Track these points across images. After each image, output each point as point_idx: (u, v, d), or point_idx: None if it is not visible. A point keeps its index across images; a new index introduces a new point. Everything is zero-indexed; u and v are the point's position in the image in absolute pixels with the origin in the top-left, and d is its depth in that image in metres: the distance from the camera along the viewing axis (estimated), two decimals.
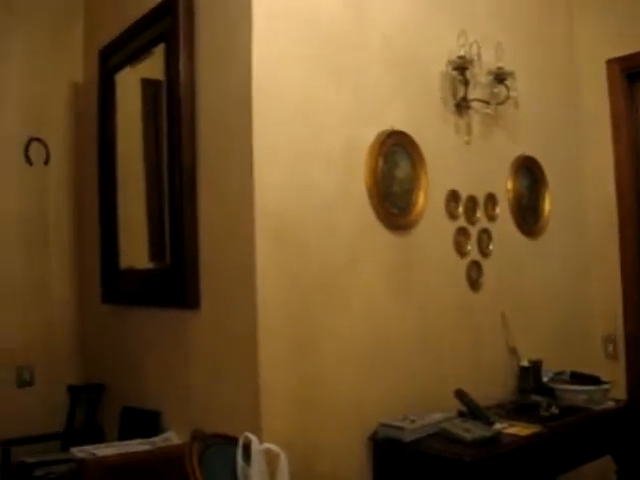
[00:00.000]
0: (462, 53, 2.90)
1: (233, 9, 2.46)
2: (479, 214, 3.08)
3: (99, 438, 3.22)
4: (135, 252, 3.10)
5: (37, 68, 3.55)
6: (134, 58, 3.02)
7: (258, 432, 2.19)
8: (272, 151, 2.38)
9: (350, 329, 2.55)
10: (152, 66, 2.89)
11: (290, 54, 2.45)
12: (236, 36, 2.43)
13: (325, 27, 2.57)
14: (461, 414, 2.66)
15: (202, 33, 2.63)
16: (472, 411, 2.65)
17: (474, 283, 3.03)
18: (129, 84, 3.12)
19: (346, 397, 2.51)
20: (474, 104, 3.00)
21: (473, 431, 2.45)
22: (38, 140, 3.54)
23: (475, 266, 3.04)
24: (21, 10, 3.53)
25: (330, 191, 2.53)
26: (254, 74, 2.35)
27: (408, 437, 2.45)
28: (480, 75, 3.03)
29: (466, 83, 2.93)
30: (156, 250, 2.92)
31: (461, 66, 2.90)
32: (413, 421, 2.50)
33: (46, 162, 3.56)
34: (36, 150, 3.53)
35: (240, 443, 2.11)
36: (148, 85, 3.02)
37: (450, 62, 2.92)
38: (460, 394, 2.69)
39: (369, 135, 2.67)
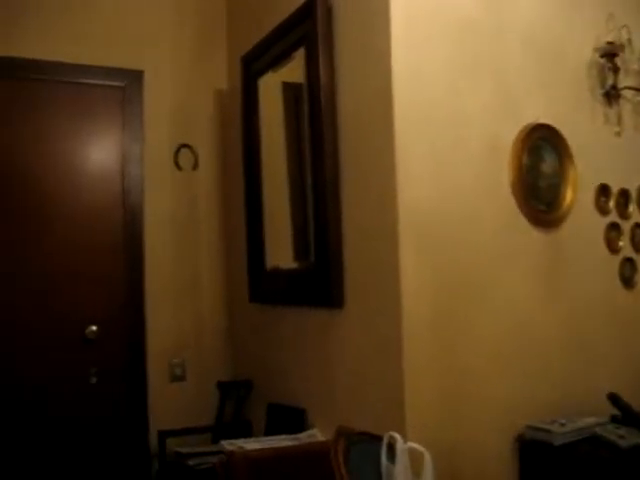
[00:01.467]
0: (610, 39, 2.76)
1: (371, 10, 2.47)
2: (632, 208, 2.93)
3: (247, 432, 3.32)
4: (280, 252, 3.17)
5: (184, 78, 3.72)
6: (275, 63, 3.10)
7: (402, 431, 2.19)
8: (414, 149, 2.37)
9: (494, 328, 2.49)
10: (293, 70, 2.95)
11: (429, 52, 2.43)
12: (375, 36, 2.43)
13: (463, 24, 2.52)
14: (614, 419, 2.54)
15: (341, 35, 2.66)
16: (627, 417, 2.52)
17: (628, 281, 2.88)
18: (271, 88, 3.20)
19: (491, 398, 2.46)
20: (625, 92, 2.85)
21: (628, 438, 2.33)
22: (187, 146, 3.71)
23: (628, 263, 2.90)
24: (168, 26, 3.72)
25: (473, 187, 2.49)
26: (394, 73, 2.35)
27: (558, 440, 2.37)
28: (631, 61, 2.88)
29: (615, 70, 2.79)
30: (300, 250, 2.98)
31: (610, 52, 2.77)
32: (563, 424, 2.42)
33: (194, 167, 3.72)
34: (185, 156, 3.70)
35: (385, 442, 2.11)
36: (289, 88, 3.09)
37: (597, 49, 2.80)
38: (614, 398, 2.56)
39: (512, 129, 2.61)
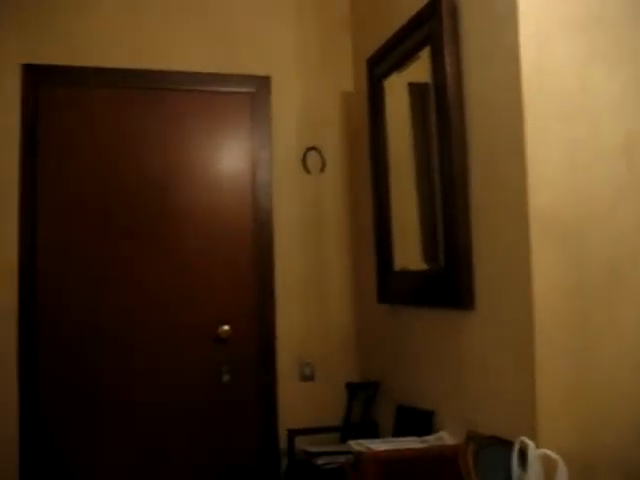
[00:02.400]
0: None
1: (498, 5, 2.41)
2: None
3: (374, 433, 3.33)
4: (408, 254, 3.15)
5: (310, 82, 3.78)
6: (400, 64, 3.09)
7: (533, 436, 2.12)
8: (546, 146, 2.28)
9: (634, 331, 2.36)
10: (418, 70, 2.93)
11: (558, 45, 2.34)
12: (502, 31, 2.37)
13: (595, 15, 2.41)
14: None
15: (466, 32, 2.61)
16: None
17: None
18: (396, 89, 3.19)
19: (630, 406, 2.33)
20: None
21: None
22: (314, 149, 3.76)
23: None
24: (293, 31, 3.79)
25: (610, 185, 2.37)
26: (523, 68, 2.27)
27: None
28: None
29: None
30: (429, 251, 2.95)
31: None
32: None
33: (322, 170, 3.77)
34: (313, 159, 3.76)
35: (516, 447, 2.05)
36: (415, 88, 3.07)
37: None
38: None
39: None
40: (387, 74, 3.23)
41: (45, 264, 3.39)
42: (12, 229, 3.36)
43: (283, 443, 3.47)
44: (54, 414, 3.35)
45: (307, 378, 3.65)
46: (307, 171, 3.75)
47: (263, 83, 3.71)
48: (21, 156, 3.39)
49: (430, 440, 2.63)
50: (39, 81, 3.44)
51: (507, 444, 2.10)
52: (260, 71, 3.71)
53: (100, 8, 3.55)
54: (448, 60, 2.63)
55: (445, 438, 2.64)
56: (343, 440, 3.30)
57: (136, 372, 3.45)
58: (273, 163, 3.71)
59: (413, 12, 2.88)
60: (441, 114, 2.68)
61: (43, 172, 3.42)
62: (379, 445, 2.59)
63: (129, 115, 3.55)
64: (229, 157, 3.67)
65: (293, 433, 3.36)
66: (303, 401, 3.61)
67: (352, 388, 3.56)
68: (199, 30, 3.66)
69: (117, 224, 3.49)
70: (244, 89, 3.69)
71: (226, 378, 3.54)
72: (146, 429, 3.43)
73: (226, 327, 3.55)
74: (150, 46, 3.59)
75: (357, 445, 2.64)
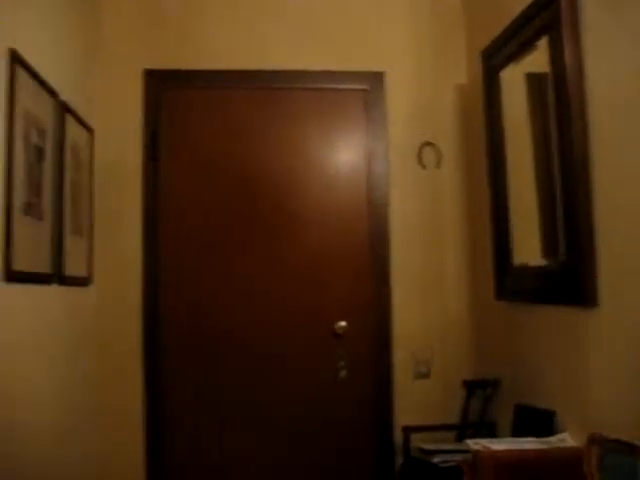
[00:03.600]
0: None
1: None
2: None
3: (492, 433, 3.26)
4: (527, 249, 3.06)
5: (424, 76, 3.75)
6: (516, 54, 3.00)
7: None
8: None
9: None
10: (536, 60, 2.83)
11: None
12: (629, 17, 2.26)
13: None
14: None
15: (587, 19, 2.50)
16: None
17: None
18: (513, 81, 3.10)
19: None
20: None
21: None
22: (430, 144, 3.72)
23: None
24: (405, 25, 3.76)
25: None
26: None
27: None
28: None
29: None
30: (549, 247, 2.86)
31: None
32: None
33: (438, 165, 3.73)
34: (428, 154, 3.72)
35: None
36: (533, 79, 2.97)
37: None
38: None
39: None
40: (503, 65, 3.15)
41: (166, 261, 3.53)
42: (137, 230, 3.53)
43: (398, 440, 3.46)
44: (180, 414, 3.49)
45: (423, 375, 3.62)
46: (423, 166, 3.72)
47: (377, 79, 3.71)
48: (143, 159, 3.55)
49: (551, 442, 2.55)
50: (160, 86, 3.60)
51: (634, 449, 2.00)
52: (374, 67, 3.71)
53: (214, 13, 3.67)
54: (567, 49, 2.53)
55: (567, 440, 2.55)
56: (460, 439, 3.26)
57: (256, 370, 3.54)
58: (388, 159, 3.70)
59: (529, 1, 2.80)
60: (561, 104, 2.58)
61: (164, 174, 3.56)
62: (497, 445, 2.54)
63: (246, 116, 3.64)
64: (344, 154, 3.69)
65: (408, 430, 3.34)
66: (418, 398, 3.58)
67: (469, 386, 3.50)
68: (312, 28, 3.70)
69: (236, 223, 3.59)
70: (358, 86, 3.70)
71: (343, 374, 3.56)
72: (266, 426, 3.52)
73: (343, 323, 3.57)
74: (264, 46, 3.67)
75: (475, 444, 2.59)
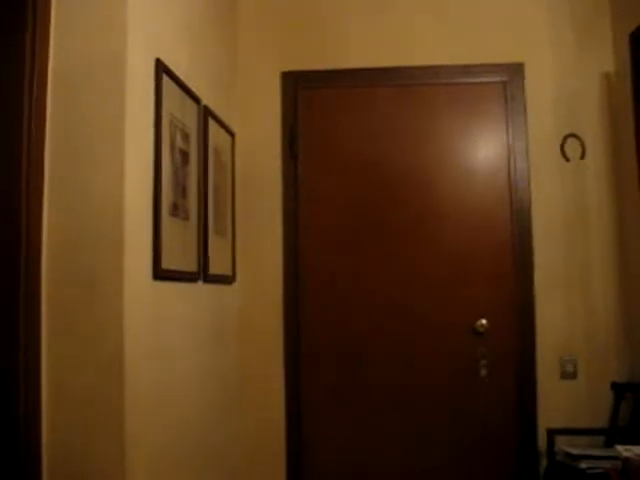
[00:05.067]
0: None
1: None
2: None
3: None
4: None
5: (566, 65, 3.60)
6: None
7: None
8: None
9: None
10: None
11: None
12: None
13: None
14: None
15: None
16: None
17: None
18: None
19: None
20: None
21: None
22: (573, 136, 3.57)
23: None
24: (545, 12, 3.62)
25: None
26: None
27: None
28: None
29: None
30: None
31: None
32: None
33: (582, 156, 3.57)
34: (572, 146, 3.57)
35: None
36: None
37: None
38: None
39: None
40: None
41: (306, 258, 3.60)
42: (277, 229, 3.62)
43: (542, 443, 3.34)
44: (315, 421, 3.56)
45: (569, 376, 3.48)
46: (566, 159, 3.57)
47: (516, 70, 3.60)
48: (283, 160, 3.64)
49: None
50: (297, 87, 3.67)
51: None
52: (512, 58, 3.61)
53: (349, 12, 3.69)
54: None
55: None
56: (608, 444, 3.11)
57: (395, 369, 3.53)
58: (530, 152, 3.59)
59: None
60: None
61: (303, 174, 3.64)
62: None
63: (383, 113, 3.65)
64: (484, 148, 3.62)
65: (553, 433, 3.23)
66: (564, 400, 3.44)
67: (619, 389, 3.33)
68: (447, 22, 3.65)
69: (376, 220, 3.61)
70: (496, 78, 3.61)
71: (483, 372, 3.49)
72: (405, 426, 3.51)
73: (484, 321, 3.50)
74: (400, 43, 3.66)
75: (626, 450, 2.46)
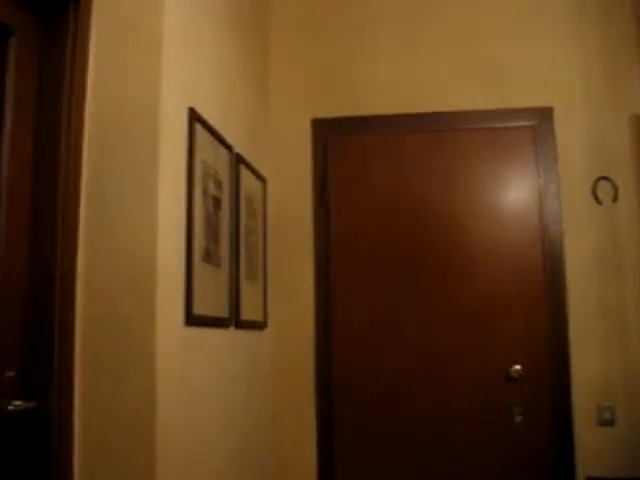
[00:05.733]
0: None
1: None
2: None
3: None
4: None
5: (595, 108, 3.60)
6: None
7: None
8: None
9: None
10: None
11: None
12: None
13: None
14: None
15: None
16: None
17: None
18: None
19: None
20: None
21: None
22: (605, 179, 3.55)
23: None
24: (576, 55, 3.64)
25: None
26: None
27: None
28: None
29: None
30: None
31: None
32: None
33: (614, 200, 3.54)
34: (604, 189, 3.55)
35: None
36: None
37: None
38: None
39: None
40: None
41: (338, 304, 3.60)
42: (309, 275, 3.63)
43: None
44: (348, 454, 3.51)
45: (606, 422, 3.40)
46: (598, 202, 3.55)
47: (545, 114, 3.61)
48: (314, 205, 3.67)
49: None
50: (328, 134, 3.72)
51: None
52: (541, 102, 3.62)
53: (378, 60, 3.75)
54: None
55: None
56: None
57: (428, 416, 3.49)
58: (561, 195, 3.57)
59: None
60: None
61: (334, 219, 3.66)
62: None
63: (414, 158, 3.67)
64: (515, 191, 3.61)
65: None
66: (602, 447, 3.36)
67: None
68: (475, 68, 3.68)
69: (408, 265, 3.60)
70: (526, 122, 3.62)
71: (518, 419, 3.43)
72: (439, 474, 3.44)
73: (517, 367, 3.45)
74: (428, 89, 3.70)
75: None
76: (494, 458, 3.42)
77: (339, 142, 3.73)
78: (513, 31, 3.70)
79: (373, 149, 3.71)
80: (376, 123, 3.71)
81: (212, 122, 2.68)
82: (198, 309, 2.45)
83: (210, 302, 2.62)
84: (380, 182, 3.67)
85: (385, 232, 3.64)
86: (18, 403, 1.93)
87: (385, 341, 3.56)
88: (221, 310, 2.78)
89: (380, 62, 3.75)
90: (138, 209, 2.15)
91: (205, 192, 2.59)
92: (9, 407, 1.91)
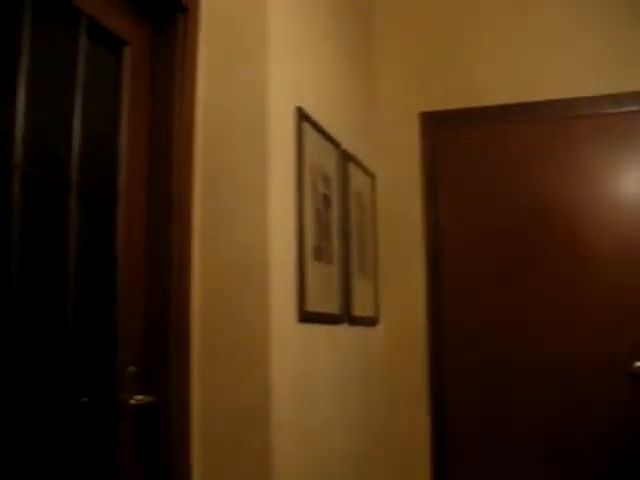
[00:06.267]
0: None
1: None
2: None
3: None
4: None
5: None
6: None
7: None
8: None
9: None
10: None
11: None
12: None
13: None
14: None
15: None
16: None
17: None
18: None
19: None
20: None
21: None
22: None
23: None
24: None
25: None
26: None
27: None
28: None
29: None
30: None
31: None
32: None
33: None
34: None
35: None
36: None
37: None
38: None
39: None
40: None
41: (449, 299, 3.55)
42: (420, 270, 3.59)
43: None
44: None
45: None
46: None
47: None
48: (423, 199, 3.62)
49: None
50: (436, 127, 3.67)
51: None
52: None
53: (484, 50, 3.65)
54: None
55: None
56: None
57: (546, 410, 3.38)
58: None
59: None
60: None
61: (444, 213, 3.61)
62: None
63: (525, 149, 3.56)
64: (633, 178, 3.42)
65: None
66: None
67: None
68: (581, 53, 3.51)
69: (521, 257, 3.50)
70: (638, 107, 3.43)
71: None
72: (556, 473, 3.34)
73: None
74: (536, 77, 3.56)
75: None
76: (614, 460, 3.28)
77: (448, 135, 3.67)
78: (625, 12, 3.51)
79: (484, 141, 3.62)
80: (484, 114, 3.62)
81: (319, 120, 2.70)
82: (310, 306, 2.47)
83: (322, 299, 2.64)
84: (490, 174, 3.58)
85: (496, 225, 3.55)
86: (139, 397, 2.02)
87: (497, 335, 3.47)
88: (333, 307, 2.79)
89: (489, 51, 3.65)
90: (249, 209, 2.19)
91: (315, 190, 2.61)
92: (131, 401, 1.99)
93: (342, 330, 2.90)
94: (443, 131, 3.67)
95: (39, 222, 1.77)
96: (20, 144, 1.65)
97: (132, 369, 2.03)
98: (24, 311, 1.67)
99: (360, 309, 3.15)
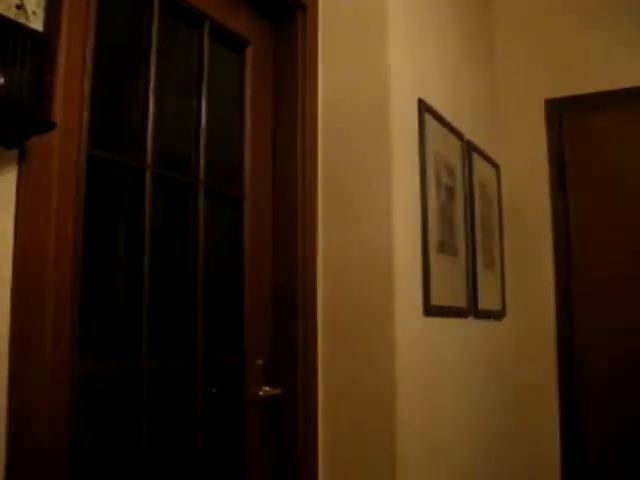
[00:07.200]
0: None
1: None
2: None
3: None
4: None
5: None
6: None
7: None
8: None
9: None
10: None
11: None
12: None
13: None
14: None
15: None
16: None
17: None
18: None
19: None
20: None
21: None
22: None
23: None
24: None
25: None
26: None
27: None
28: None
29: None
30: None
31: None
32: None
33: None
34: None
35: None
36: None
37: None
38: None
39: None
40: None
41: (580, 289, 3.39)
42: (547, 260, 3.46)
43: None
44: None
45: None
46: None
47: None
48: (551, 189, 3.49)
49: None
50: (562, 113, 3.50)
51: None
52: None
53: (608, 32, 3.44)
54: None
55: None
56: None
57: None
58: None
59: None
60: None
61: (573, 202, 3.44)
62: None
63: None
64: None
65: None
66: None
67: None
68: None
69: None
70: None
71: None
72: None
73: None
74: None
75: None
76: None
77: (575, 121, 3.49)
78: None
79: (617, 127, 3.43)
80: (614, 98, 3.42)
81: (441, 111, 2.66)
82: (436, 300, 2.44)
83: (448, 292, 2.60)
84: (623, 161, 3.39)
85: (631, 211, 3.35)
86: (267, 389, 2.07)
87: (636, 329, 3.29)
88: (459, 300, 2.74)
89: (616, 30, 3.44)
90: (373, 203, 2.19)
91: (438, 182, 2.57)
92: (260, 393, 2.05)
93: (469, 323, 2.84)
94: (570, 118, 3.50)
95: (171, 218, 1.85)
96: (150, 145, 1.73)
97: (260, 362, 2.08)
98: (159, 304, 1.74)
99: (486, 302, 3.08)
